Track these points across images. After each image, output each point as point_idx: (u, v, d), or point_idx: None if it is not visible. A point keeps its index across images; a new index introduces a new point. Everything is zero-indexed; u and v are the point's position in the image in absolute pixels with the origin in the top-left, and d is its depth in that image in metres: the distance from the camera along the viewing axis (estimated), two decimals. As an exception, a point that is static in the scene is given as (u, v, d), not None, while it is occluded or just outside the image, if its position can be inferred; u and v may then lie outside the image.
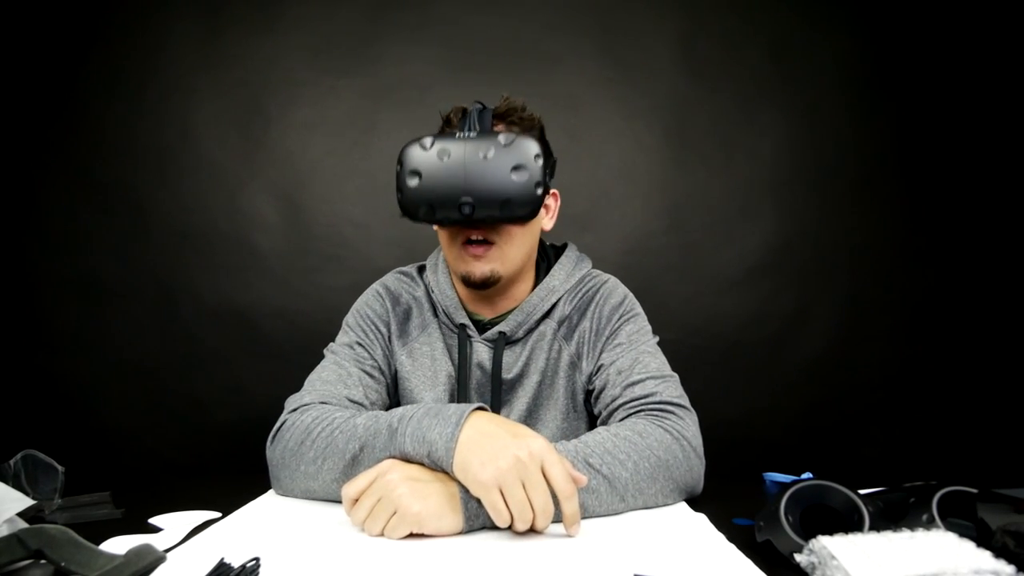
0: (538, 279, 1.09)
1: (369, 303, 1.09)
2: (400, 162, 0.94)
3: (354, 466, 0.79)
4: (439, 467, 0.73)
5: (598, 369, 1.02)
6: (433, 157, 0.92)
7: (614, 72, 1.91)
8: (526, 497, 0.68)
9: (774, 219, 1.92)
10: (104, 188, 1.82)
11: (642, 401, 0.93)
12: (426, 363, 1.05)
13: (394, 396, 1.08)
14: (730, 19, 1.92)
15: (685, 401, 0.94)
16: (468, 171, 0.91)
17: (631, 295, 1.10)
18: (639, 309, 1.09)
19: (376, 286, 1.11)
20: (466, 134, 0.92)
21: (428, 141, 0.93)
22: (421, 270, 1.13)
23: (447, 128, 1.02)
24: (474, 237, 0.97)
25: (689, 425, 0.90)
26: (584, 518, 0.76)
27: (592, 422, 1.06)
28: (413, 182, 0.92)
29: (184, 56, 1.84)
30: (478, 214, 0.91)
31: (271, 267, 1.85)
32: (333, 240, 1.86)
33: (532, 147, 0.92)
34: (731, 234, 1.91)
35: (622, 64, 1.91)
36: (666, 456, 0.84)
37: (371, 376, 1.00)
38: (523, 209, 0.92)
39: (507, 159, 0.91)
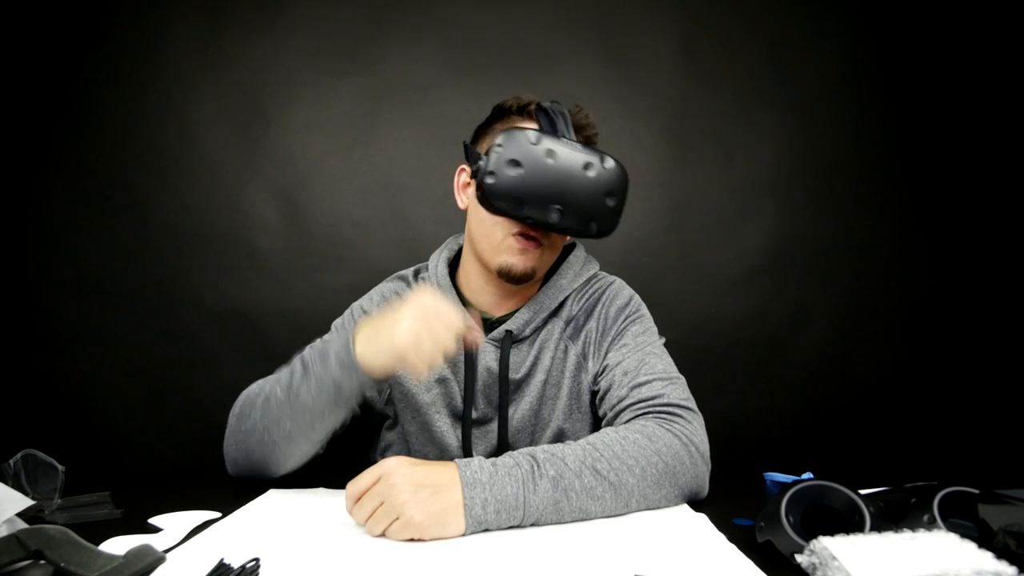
0: (544, 277, 1.09)
1: (362, 306, 1.09)
2: (501, 144, 0.90)
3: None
4: (350, 366, 0.81)
5: (603, 370, 1.02)
6: (540, 153, 0.89)
7: (614, 72, 1.91)
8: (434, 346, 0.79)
9: (774, 219, 1.91)
10: (104, 188, 1.82)
11: (650, 403, 0.92)
12: None
13: (392, 398, 1.08)
14: (730, 19, 1.92)
15: (692, 404, 0.94)
16: (568, 179, 0.90)
17: (637, 296, 1.10)
18: (645, 311, 1.09)
19: (372, 292, 1.12)
20: (570, 142, 0.91)
21: (534, 135, 0.90)
22: (417, 273, 1.13)
23: (514, 115, 1.01)
24: (531, 234, 0.97)
25: (697, 429, 0.89)
26: (586, 520, 0.77)
27: (596, 423, 1.06)
28: (513, 172, 0.89)
29: (184, 56, 1.84)
30: (562, 223, 0.91)
31: (271, 267, 1.84)
32: (333, 240, 1.86)
33: (624, 175, 0.93)
34: (731, 234, 1.91)
35: (622, 64, 1.91)
36: (673, 462, 0.83)
37: None
38: (602, 229, 0.94)
39: (605, 182, 0.91)
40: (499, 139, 0.91)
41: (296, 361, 0.88)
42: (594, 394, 1.04)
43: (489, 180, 0.91)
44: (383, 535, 0.69)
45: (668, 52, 1.91)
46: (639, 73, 1.91)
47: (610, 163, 0.92)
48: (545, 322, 1.05)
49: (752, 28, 1.92)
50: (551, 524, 0.75)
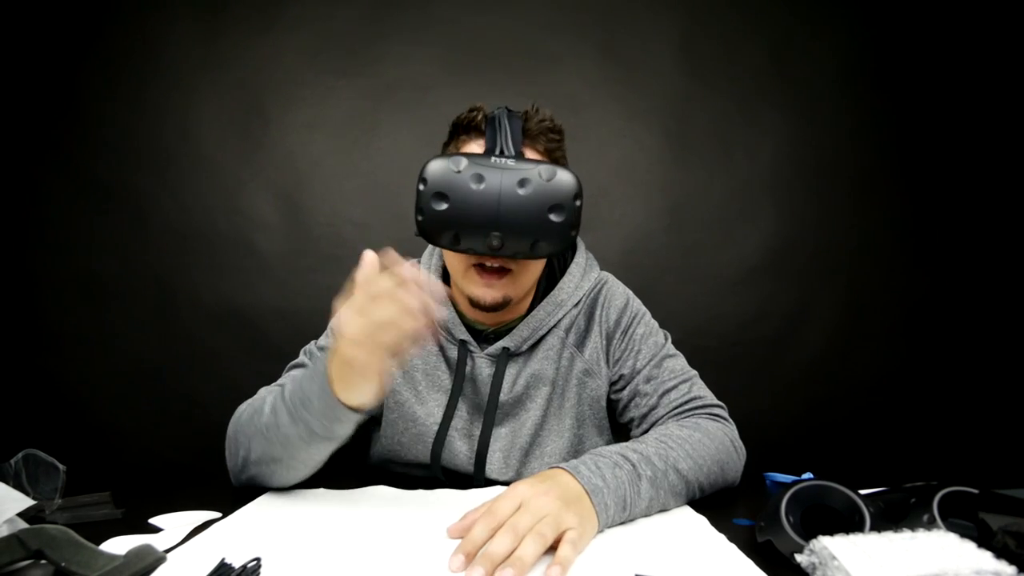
0: (541, 284, 1.06)
1: None
2: (423, 179, 0.84)
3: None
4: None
5: (619, 379, 1.02)
6: (465, 182, 0.82)
7: (614, 72, 1.91)
8: None
9: (774, 219, 1.91)
10: (104, 188, 1.82)
11: (688, 406, 0.96)
12: (418, 376, 1.02)
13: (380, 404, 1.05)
14: (730, 19, 1.92)
15: (717, 401, 1.02)
16: (502, 204, 0.81)
17: (630, 292, 1.09)
18: (642, 307, 1.09)
19: None
20: (501, 161, 0.83)
21: (462, 163, 0.83)
22: None
23: (463, 134, 0.95)
24: (490, 264, 0.90)
25: (734, 428, 0.97)
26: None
27: (613, 429, 1.07)
28: (440, 206, 0.83)
29: (184, 56, 1.84)
30: (506, 250, 0.84)
31: (271, 267, 1.84)
32: (333, 240, 1.86)
33: (572, 185, 0.84)
34: (731, 234, 1.91)
35: (622, 64, 1.91)
36: (725, 458, 0.90)
37: None
38: (553, 248, 0.86)
39: (545, 197, 0.82)
40: (423, 173, 0.84)
41: (284, 398, 0.82)
42: (609, 402, 1.04)
43: (419, 218, 0.84)
44: (555, 556, 0.60)
45: (668, 52, 1.91)
46: (639, 73, 1.91)
47: (554, 173, 0.83)
48: (543, 337, 1.02)
49: (752, 28, 1.92)
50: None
